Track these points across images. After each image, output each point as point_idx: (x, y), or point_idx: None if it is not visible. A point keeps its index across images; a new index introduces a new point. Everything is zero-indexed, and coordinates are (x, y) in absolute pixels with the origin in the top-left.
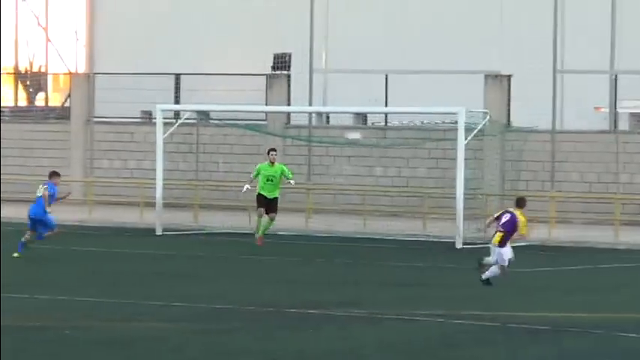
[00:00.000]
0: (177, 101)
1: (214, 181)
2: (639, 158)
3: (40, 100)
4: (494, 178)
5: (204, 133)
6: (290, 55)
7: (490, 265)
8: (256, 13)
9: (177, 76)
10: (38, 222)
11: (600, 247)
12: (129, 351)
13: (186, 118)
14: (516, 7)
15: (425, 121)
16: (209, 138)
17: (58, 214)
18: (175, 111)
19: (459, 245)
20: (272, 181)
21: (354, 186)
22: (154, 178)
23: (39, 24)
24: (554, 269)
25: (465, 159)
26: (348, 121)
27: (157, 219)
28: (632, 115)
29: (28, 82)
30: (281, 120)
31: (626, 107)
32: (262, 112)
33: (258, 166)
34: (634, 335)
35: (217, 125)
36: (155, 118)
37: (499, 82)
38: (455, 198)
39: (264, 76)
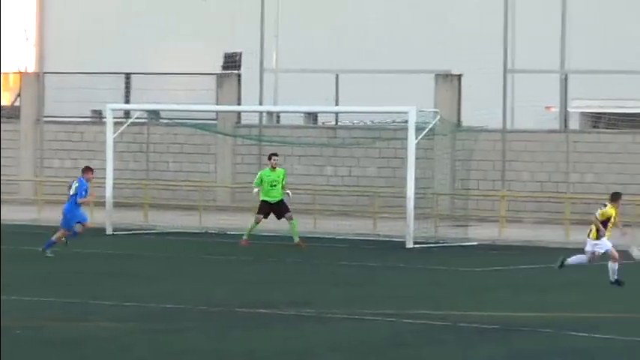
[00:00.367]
0: (127, 101)
1: (164, 180)
2: (589, 157)
3: None
4: (444, 177)
5: (155, 133)
6: (240, 55)
7: (612, 270)
8: (207, 13)
9: (128, 76)
10: (71, 218)
11: (551, 247)
12: (79, 351)
13: (136, 118)
14: (467, 7)
15: (375, 121)
16: (159, 137)
17: (9, 214)
18: (125, 110)
19: (409, 245)
20: (275, 186)
21: (305, 185)
22: (104, 178)
23: None
24: (505, 268)
25: (416, 158)
26: (299, 120)
27: (107, 218)
28: (583, 114)
29: None
30: (231, 119)
31: (576, 107)
32: (213, 111)
33: (259, 173)
34: (583, 334)
35: (167, 125)
36: (105, 118)
37: (450, 81)
38: (405, 197)
39: (215, 76)
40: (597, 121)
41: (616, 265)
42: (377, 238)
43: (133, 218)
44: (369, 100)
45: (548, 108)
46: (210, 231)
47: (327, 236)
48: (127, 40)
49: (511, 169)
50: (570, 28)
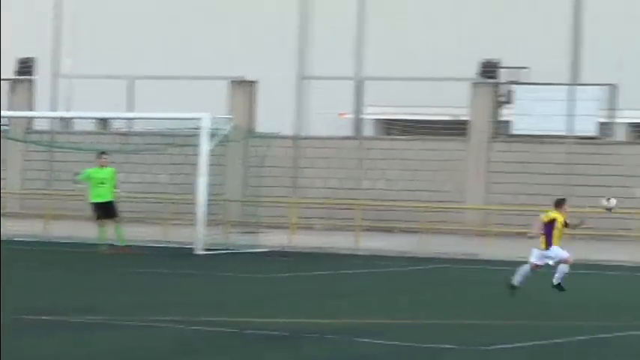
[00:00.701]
0: None
1: None
2: (382, 164)
3: None
4: (236, 184)
5: None
6: (34, 60)
7: (557, 270)
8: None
9: None
10: None
11: (341, 253)
12: None
13: None
14: (262, 13)
15: (169, 127)
16: None
17: None
18: None
19: (198, 251)
20: (104, 184)
21: None
22: None
23: None
24: (294, 275)
25: (210, 165)
26: (91, 126)
27: None
28: (377, 121)
29: None
30: (23, 125)
31: (370, 113)
32: (5, 117)
33: (86, 171)
34: (369, 340)
35: None
36: None
37: (244, 87)
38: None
39: (8, 81)
40: (391, 127)
41: (567, 269)
42: (168, 245)
43: None
44: (166, 106)
45: (341, 114)
46: None
47: (117, 243)
48: None
49: (303, 176)
50: (366, 36)
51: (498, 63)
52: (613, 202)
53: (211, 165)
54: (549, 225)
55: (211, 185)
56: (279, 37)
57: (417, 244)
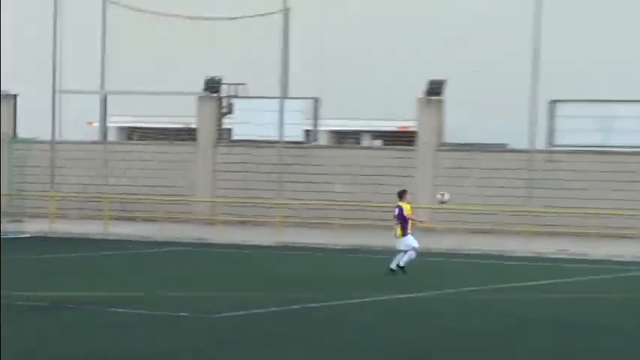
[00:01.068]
0: None
1: None
2: (125, 164)
3: None
4: (4, 180)
5: None
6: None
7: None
8: None
9: None
10: None
11: (94, 238)
12: None
13: None
14: (22, 37)
15: None
16: None
17: None
18: None
19: None
20: None
21: None
22: None
23: None
24: (55, 256)
25: None
26: None
27: None
28: (120, 128)
29: None
30: None
31: (114, 122)
32: None
33: None
34: (119, 310)
35: None
36: None
37: (7, 100)
38: None
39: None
40: (132, 133)
41: (414, 255)
42: None
43: None
44: None
45: (90, 123)
46: None
47: None
48: None
49: (60, 174)
50: (109, 56)
51: (221, 80)
52: (447, 196)
53: None
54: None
55: None
56: (36, 55)
57: (157, 231)
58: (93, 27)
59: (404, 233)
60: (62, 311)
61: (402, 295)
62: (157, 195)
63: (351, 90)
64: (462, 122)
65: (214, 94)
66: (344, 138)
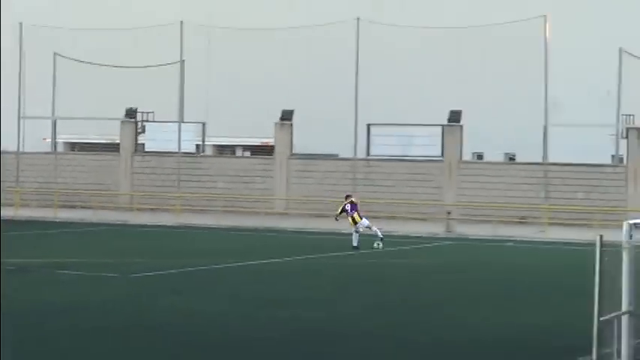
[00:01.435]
0: None
1: None
2: (69, 168)
3: None
4: None
5: None
6: None
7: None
8: None
9: None
10: None
11: (46, 221)
12: None
13: None
14: None
15: None
16: None
17: None
18: None
19: None
20: None
21: None
22: None
23: None
24: None
25: None
26: None
27: None
28: (65, 142)
29: None
30: None
31: (62, 138)
32: None
33: None
34: (67, 272)
35: None
36: None
37: None
38: None
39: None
40: (74, 146)
41: (375, 228)
42: None
43: None
44: None
45: (44, 139)
46: None
47: None
48: None
49: (23, 175)
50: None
51: (136, 109)
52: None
53: None
54: (354, 206)
55: None
56: (5, 92)
57: (92, 215)
58: (46, 74)
59: (357, 221)
60: (25, 273)
61: (264, 261)
62: (91, 190)
63: (228, 116)
64: (305, 139)
65: (132, 119)
66: (224, 150)
